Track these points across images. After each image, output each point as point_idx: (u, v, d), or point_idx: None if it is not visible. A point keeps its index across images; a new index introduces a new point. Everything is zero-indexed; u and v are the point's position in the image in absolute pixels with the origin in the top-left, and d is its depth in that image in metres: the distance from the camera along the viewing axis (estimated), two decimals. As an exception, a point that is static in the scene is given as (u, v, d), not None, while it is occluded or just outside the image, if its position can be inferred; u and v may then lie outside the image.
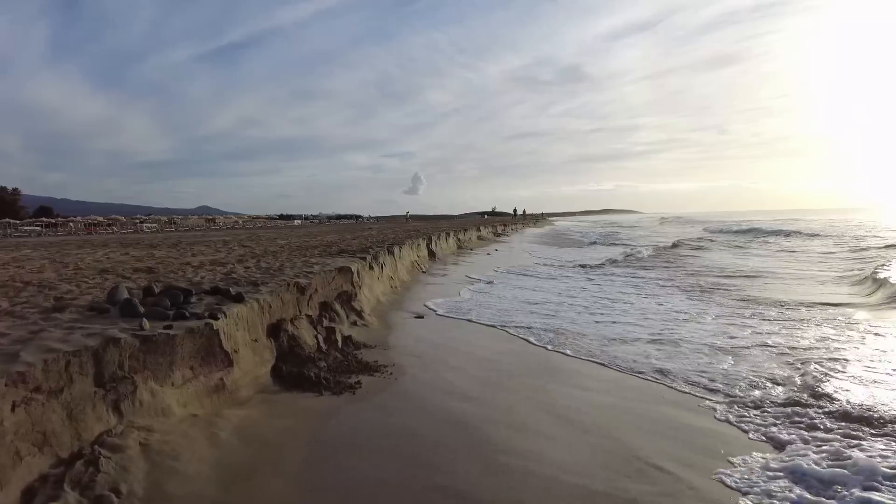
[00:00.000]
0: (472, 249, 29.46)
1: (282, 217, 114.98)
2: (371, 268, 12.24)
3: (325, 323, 8.35)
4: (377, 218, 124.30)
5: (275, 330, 6.85)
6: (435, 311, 11.54)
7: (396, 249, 15.74)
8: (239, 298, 6.21)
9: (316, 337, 7.44)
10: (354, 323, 9.21)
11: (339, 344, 7.73)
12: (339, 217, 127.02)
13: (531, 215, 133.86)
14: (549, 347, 8.48)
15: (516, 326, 9.84)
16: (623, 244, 36.02)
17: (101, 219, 66.58)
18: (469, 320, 10.58)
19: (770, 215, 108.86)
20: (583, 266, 21.37)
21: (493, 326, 9.99)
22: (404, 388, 6.46)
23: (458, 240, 30.33)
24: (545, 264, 22.50)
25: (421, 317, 10.83)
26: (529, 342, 8.85)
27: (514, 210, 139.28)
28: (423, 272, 18.50)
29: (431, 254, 22.66)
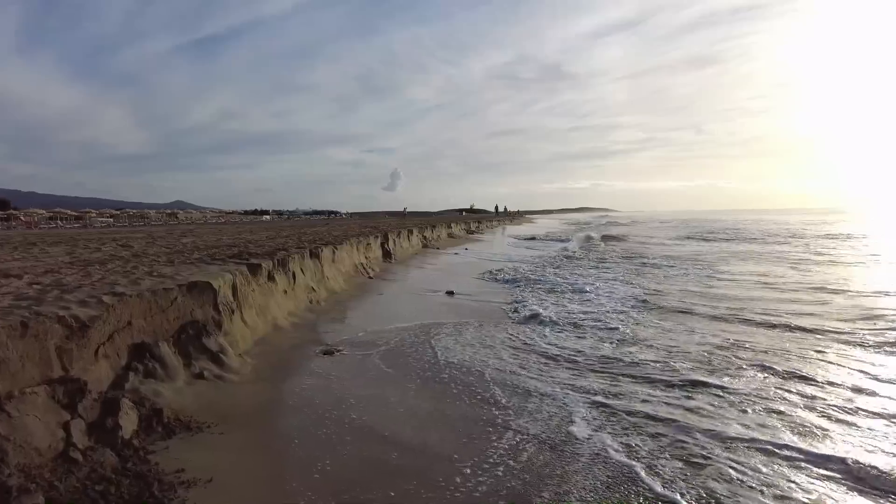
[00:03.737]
0: (438, 248, 26.02)
1: (248, 213, 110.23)
2: (271, 278, 8.69)
3: (131, 382, 4.83)
4: (350, 214, 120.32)
5: (-57, 427, 3.30)
6: (355, 340, 8.11)
7: (327, 251, 12.18)
8: None
9: (66, 426, 3.91)
10: (200, 375, 5.67)
11: (127, 433, 4.19)
12: (314, 213, 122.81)
13: (511, 213, 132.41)
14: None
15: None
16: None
17: (43, 212, 61.58)
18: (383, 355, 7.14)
19: (727, 214, 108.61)
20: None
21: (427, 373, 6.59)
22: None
23: (424, 238, 26.82)
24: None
25: (330, 353, 7.34)
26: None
27: (496, 207, 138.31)
28: (370, 278, 14.98)
29: (387, 254, 19.16)
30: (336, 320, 9.41)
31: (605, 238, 37.71)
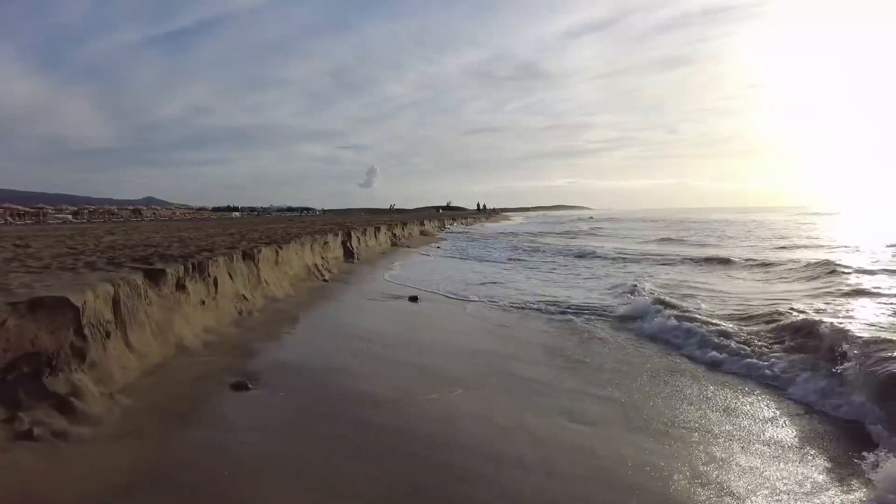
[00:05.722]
0: (409, 247, 24.38)
1: (218, 209, 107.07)
2: (181, 286, 6.97)
3: None
4: (324, 211, 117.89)
5: None
6: (286, 364, 6.50)
7: (267, 251, 10.46)
8: None
9: None
10: (28, 433, 3.96)
11: None
12: (288, 209, 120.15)
13: (489, 211, 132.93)
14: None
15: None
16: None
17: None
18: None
19: (690, 213, 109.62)
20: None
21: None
22: None
23: (394, 235, 25.14)
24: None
25: (244, 386, 5.67)
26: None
27: (478, 205, 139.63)
28: (326, 281, 13.31)
29: (349, 254, 17.47)
30: (269, 337, 7.74)
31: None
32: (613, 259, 19.85)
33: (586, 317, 9.21)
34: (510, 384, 5.99)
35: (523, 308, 10.39)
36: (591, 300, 10.89)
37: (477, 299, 11.53)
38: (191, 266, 7.35)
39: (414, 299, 11.33)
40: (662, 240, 31.37)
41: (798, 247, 22.75)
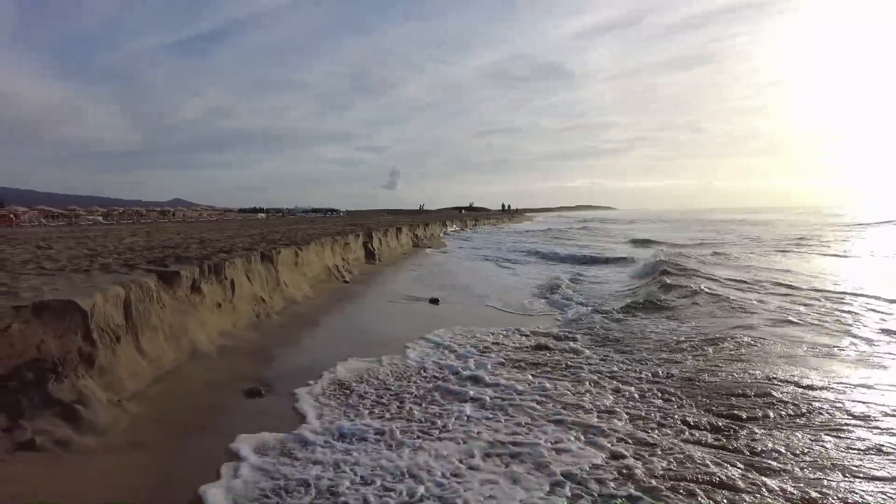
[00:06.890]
0: (431, 248, 24.09)
1: (244, 210, 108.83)
2: (196, 289, 6.80)
3: None
4: (348, 212, 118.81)
5: None
6: (304, 370, 6.26)
7: (287, 253, 10.28)
8: None
9: None
10: (29, 443, 3.78)
11: None
12: (313, 210, 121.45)
13: (511, 211, 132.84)
14: None
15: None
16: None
17: (25, 209, 59.50)
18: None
19: (698, 214, 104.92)
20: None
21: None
22: None
23: (415, 236, 24.86)
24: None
25: (258, 393, 5.45)
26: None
27: (503, 205, 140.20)
28: (346, 282, 13.11)
29: (370, 255, 17.27)
30: (287, 342, 7.51)
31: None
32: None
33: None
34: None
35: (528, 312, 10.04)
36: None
37: (497, 302, 11.25)
38: (206, 268, 7.18)
39: (434, 301, 11.03)
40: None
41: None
